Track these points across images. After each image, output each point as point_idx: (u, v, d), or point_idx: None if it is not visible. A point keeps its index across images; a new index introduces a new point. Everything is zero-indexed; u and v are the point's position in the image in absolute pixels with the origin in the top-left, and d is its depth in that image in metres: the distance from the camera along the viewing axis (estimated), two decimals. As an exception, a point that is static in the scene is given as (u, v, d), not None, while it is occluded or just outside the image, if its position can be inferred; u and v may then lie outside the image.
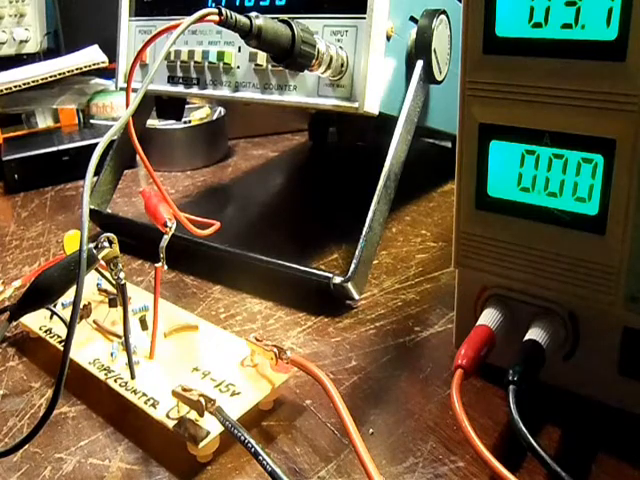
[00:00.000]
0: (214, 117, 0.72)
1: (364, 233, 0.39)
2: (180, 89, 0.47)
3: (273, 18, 0.33)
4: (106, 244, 0.29)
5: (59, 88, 0.78)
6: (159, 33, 0.30)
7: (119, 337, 0.33)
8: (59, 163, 0.67)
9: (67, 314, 0.27)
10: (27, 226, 0.56)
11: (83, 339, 0.34)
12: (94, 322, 0.35)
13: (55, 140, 0.71)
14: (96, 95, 0.79)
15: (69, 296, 0.29)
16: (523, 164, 0.27)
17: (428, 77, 0.42)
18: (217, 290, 0.42)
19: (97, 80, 0.81)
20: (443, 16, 0.42)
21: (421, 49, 0.41)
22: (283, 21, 0.34)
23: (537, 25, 0.25)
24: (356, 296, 0.39)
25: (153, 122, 0.67)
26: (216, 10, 0.30)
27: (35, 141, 0.71)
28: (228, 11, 0.30)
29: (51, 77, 0.73)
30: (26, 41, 0.94)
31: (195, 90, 0.46)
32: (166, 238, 0.32)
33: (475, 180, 0.29)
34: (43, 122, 0.77)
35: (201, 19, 0.29)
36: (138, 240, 0.48)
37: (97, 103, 0.78)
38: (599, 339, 0.27)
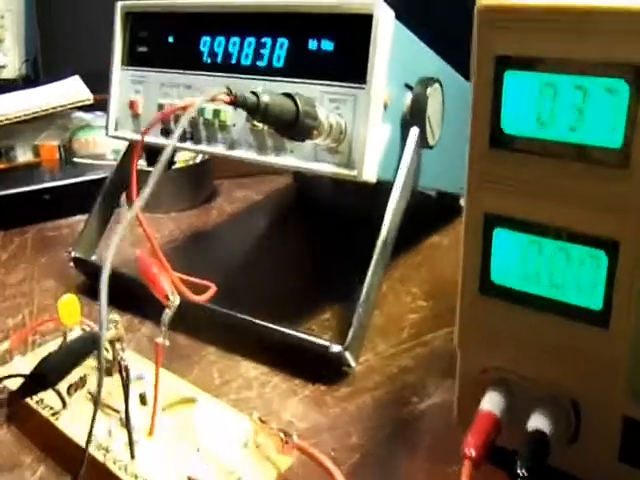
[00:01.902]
0: (199, 159, 0.72)
1: (361, 301, 0.39)
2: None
3: (271, 81, 0.33)
4: (110, 325, 0.28)
5: (40, 123, 0.77)
6: (167, 112, 0.30)
7: (116, 411, 0.33)
8: (39, 202, 0.66)
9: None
10: (8, 270, 0.55)
11: (77, 411, 0.33)
12: (89, 393, 0.34)
13: (35, 178, 0.69)
14: (78, 131, 0.78)
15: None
16: (527, 254, 0.28)
17: (422, 143, 0.43)
18: (211, 352, 0.42)
19: (79, 114, 0.80)
20: (437, 84, 0.43)
21: (416, 117, 0.42)
22: (286, 94, 0.34)
23: (543, 125, 0.26)
24: (353, 364, 0.39)
25: (139, 163, 0.67)
26: (226, 90, 0.30)
27: (15, 177, 0.70)
28: (237, 91, 0.31)
29: (34, 113, 0.72)
30: (3, 67, 0.93)
31: (189, 145, 0.46)
32: (168, 312, 0.32)
33: (479, 266, 0.29)
34: (23, 156, 0.76)
35: (212, 100, 0.30)
36: (124, 293, 0.47)
37: (79, 139, 0.77)
38: (600, 427, 0.28)
